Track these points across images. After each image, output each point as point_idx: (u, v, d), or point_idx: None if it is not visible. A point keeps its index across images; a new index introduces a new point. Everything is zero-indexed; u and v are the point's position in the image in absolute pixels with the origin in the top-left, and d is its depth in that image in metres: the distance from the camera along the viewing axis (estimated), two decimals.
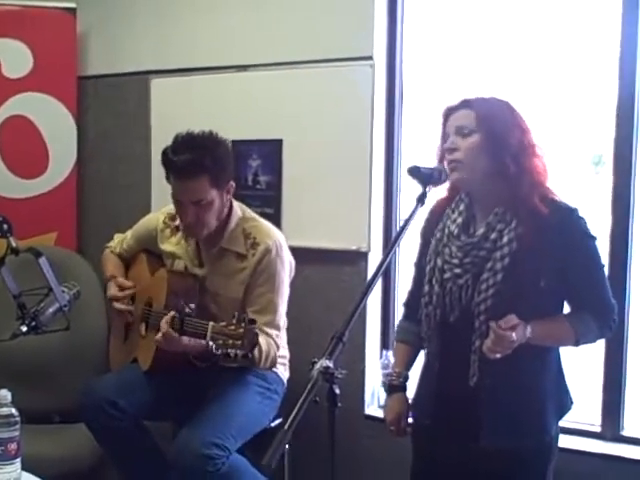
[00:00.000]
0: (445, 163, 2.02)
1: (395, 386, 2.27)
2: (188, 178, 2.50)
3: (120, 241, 2.97)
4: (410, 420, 2.25)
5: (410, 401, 2.27)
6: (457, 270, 2.03)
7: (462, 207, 2.09)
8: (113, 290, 2.79)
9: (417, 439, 2.24)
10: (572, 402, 2.14)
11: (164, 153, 2.55)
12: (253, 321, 2.15)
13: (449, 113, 2.06)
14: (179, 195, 2.56)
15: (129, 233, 2.96)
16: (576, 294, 2.03)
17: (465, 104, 2.03)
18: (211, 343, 2.16)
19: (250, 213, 2.75)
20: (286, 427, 1.43)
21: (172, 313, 2.40)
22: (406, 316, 2.33)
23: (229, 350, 2.11)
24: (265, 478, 2.53)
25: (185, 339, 2.38)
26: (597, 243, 2.03)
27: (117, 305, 2.77)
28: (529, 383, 2.01)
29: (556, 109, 2.90)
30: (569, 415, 2.16)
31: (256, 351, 2.31)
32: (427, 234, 2.19)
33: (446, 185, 2.11)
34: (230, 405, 2.57)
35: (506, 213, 1.99)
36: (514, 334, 1.86)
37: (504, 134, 1.97)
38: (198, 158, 2.48)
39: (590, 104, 2.95)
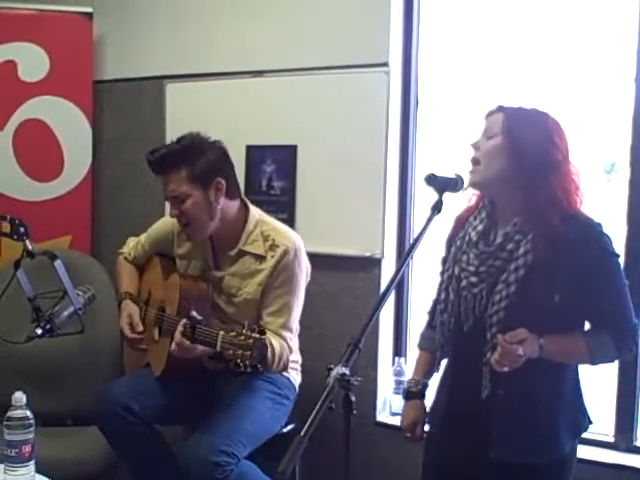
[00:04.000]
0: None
1: (413, 393, 2.26)
2: (163, 172, 2.60)
3: (134, 245, 2.97)
4: (426, 428, 2.24)
5: (428, 409, 2.25)
6: (473, 279, 2.01)
7: (484, 214, 2.06)
8: (126, 330, 2.73)
9: (428, 448, 2.23)
10: (590, 422, 2.08)
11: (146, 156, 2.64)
12: (263, 331, 2.15)
13: (487, 117, 2.03)
14: (164, 193, 2.64)
15: (143, 237, 2.96)
16: (595, 313, 1.97)
17: (499, 109, 2.00)
18: (223, 353, 2.17)
19: (268, 216, 2.76)
20: (302, 434, 1.42)
21: (184, 321, 2.40)
22: (429, 324, 2.31)
23: (238, 360, 2.12)
24: None
25: (200, 347, 2.39)
26: (619, 260, 1.98)
27: (128, 344, 2.78)
28: (542, 398, 1.97)
29: (568, 116, 2.88)
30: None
31: (269, 353, 2.32)
32: (451, 243, 2.16)
33: (472, 193, 2.10)
34: (240, 412, 2.56)
35: (525, 224, 1.95)
36: (521, 348, 1.82)
37: (529, 142, 1.93)
38: (171, 152, 2.59)
39: (603, 112, 2.94)
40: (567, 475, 2.03)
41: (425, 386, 2.27)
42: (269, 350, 2.29)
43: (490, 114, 2.02)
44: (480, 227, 2.05)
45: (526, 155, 1.92)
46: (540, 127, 1.96)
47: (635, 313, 2.00)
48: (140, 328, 2.76)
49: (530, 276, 1.91)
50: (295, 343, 2.76)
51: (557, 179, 1.94)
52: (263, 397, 2.66)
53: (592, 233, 1.94)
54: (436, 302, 2.22)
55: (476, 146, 2.00)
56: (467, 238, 2.07)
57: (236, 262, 2.67)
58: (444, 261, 2.18)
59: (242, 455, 2.47)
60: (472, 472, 2.03)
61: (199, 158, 2.57)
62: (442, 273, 2.18)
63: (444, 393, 2.14)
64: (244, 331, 2.13)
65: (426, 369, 2.29)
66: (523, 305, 1.91)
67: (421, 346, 2.34)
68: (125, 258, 2.99)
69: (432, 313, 2.29)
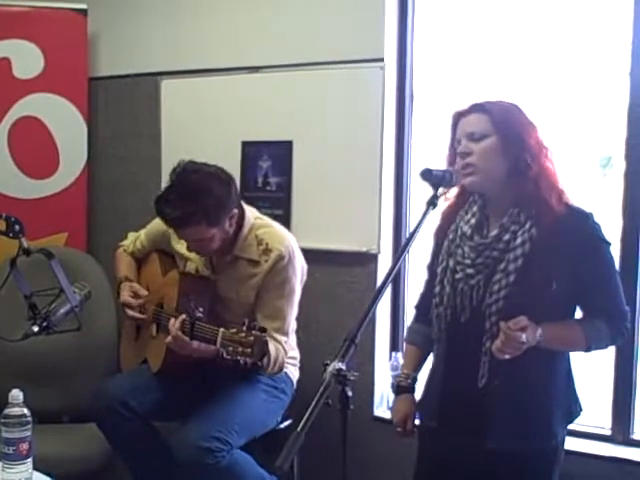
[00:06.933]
0: (458, 167, 2.00)
1: (403, 387, 2.28)
2: (182, 227, 2.52)
3: (133, 240, 2.98)
4: (417, 421, 2.26)
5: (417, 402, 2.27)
6: (469, 270, 2.03)
7: (475, 208, 2.08)
8: (126, 296, 2.78)
9: (422, 440, 2.24)
10: (581, 409, 2.12)
11: (157, 202, 2.52)
12: (263, 329, 2.15)
13: (459, 118, 2.04)
14: (178, 235, 2.60)
15: (142, 232, 2.97)
16: (589, 299, 2.01)
17: (477, 108, 2.01)
18: (221, 350, 2.17)
19: (262, 218, 2.74)
20: (299, 429, 1.43)
21: (182, 317, 2.40)
22: (416, 318, 2.33)
23: (239, 357, 2.12)
24: (271, 477, 2.54)
25: (195, 343, 2.39)
26: (611, 249, 2.01)
27: (130, 313, 2.78)
28: (537, 386, 2.00)
29: (564, 111, 2.89)
30: (579, 418, 2.14)
31: (265, 358, 2.32)
32: (439, 236, 2.18)
33: (456, 188, 2.10)
34: (234, 401, 2.58)
35: (520, 214, 1.98)
36: (524, 335, 1.84)
37: (522, 135, 1.96)
38: (189, 214, 2.45)
39: (598, 106, 2.94)
40: (559, 460, 2.07)
41: (415, 380, 2.29)
42: (266, 355, 2.28)
43: (465, 114, 2.03)
44: (473, 221, 2.07)
45: (525, 149, 1.95)
46: (521, 117, 2.01)
47: (627, 302, 2.06)
48: (145, 292, 2.78)
49: (528, 265, 1.95)
50: (293, 339, 2.77)
51: (546, 162, 1.98)
52: (259, 389, 2.67)
53: (586, 222, 1.98)
54: (424, 296, 2.26)
55: (467, 152, 1.98)
56: (460, 232, 2.09)
57: (231, 267, 2.66)
58: (434, 254, 2.20)
59: (235, 443, 2.48)
60: (470, 463, 2.05)
61: (214, 207, 2.48)
62: (430, 266, 2.21)
63: (437, 385, 2.15)
64: (244, 328, 2.13)
65: (415, 363, 2.30)
66: (522, 294, 1.94)
67: (409, 340, 2.35)
68: (124, 250, 2.99)
69: (419, 307, 2.32)
